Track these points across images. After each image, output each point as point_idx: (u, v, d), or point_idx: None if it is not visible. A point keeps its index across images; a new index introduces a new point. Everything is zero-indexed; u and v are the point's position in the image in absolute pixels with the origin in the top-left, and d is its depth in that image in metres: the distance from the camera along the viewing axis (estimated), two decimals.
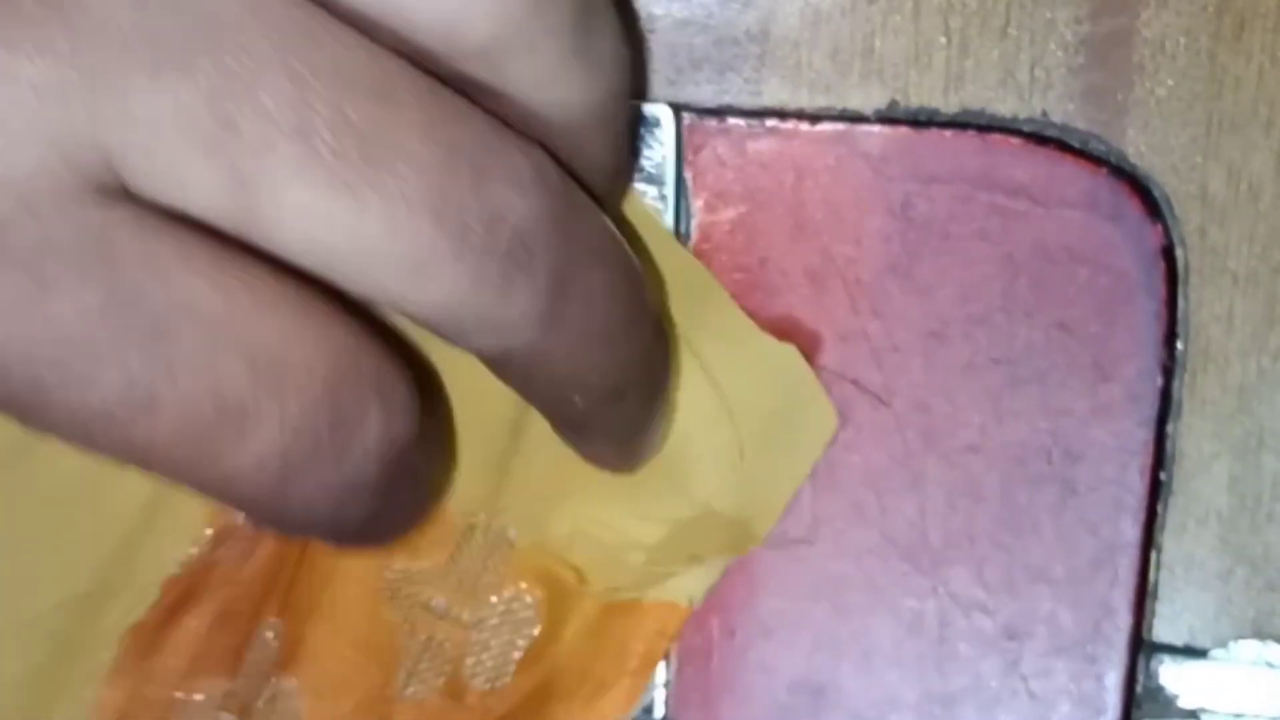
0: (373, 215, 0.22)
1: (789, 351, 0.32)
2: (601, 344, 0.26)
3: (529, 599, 0.34)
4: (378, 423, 0.24)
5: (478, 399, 0.32)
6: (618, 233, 0.26)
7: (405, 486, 0.26)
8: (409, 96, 0.22)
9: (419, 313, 0.23)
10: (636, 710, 0.34)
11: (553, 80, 0.24)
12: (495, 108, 0.24)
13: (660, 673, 0.34)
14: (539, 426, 0.32)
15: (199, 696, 0.33)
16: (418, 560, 0.34)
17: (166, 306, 0.22)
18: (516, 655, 0.34)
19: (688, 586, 0.33)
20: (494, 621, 0.34)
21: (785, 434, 0.33)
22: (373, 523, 0.26)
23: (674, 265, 0.32)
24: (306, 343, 0.23)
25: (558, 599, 0.34)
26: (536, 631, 0.34)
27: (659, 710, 0.34)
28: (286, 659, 0.33)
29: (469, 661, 0.34)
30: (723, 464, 0.33)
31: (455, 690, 0.34)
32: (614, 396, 0.27)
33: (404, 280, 0.23)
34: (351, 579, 0.33)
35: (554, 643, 0.34)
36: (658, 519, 0.33)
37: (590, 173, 0.26)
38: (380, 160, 0.22)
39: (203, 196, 0.22)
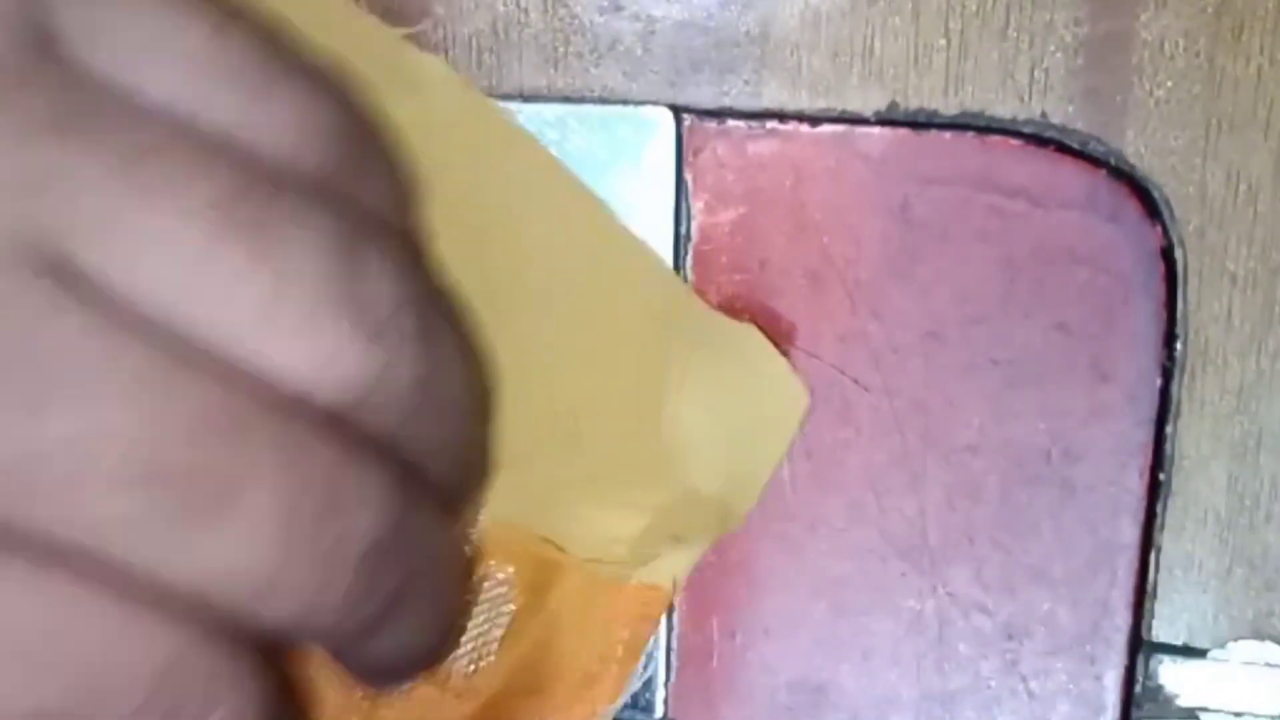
0: (222, 548, 0.23)
1: (749, 331, 0.32)
2: (416, 634, 0.27)
3: (500, 574, 0.34)
4: None
5: None
6: (453, 541, 0.28)
7: None
8: (261, 437, 0.23)
9: (270, 628, 0.24)
10: (624, 697, 0.34)
11: (405, 425, 0.25)
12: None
13: (659, 672, 0.34)
14: (517, 421, 0.32)
15: None
16: None
17: None
18: (498, 633, 0.34)
19: (670, 568, 0.33)
20: (470, 599, 0.34)
21: (757, 412, 0.33)
22: None
23: (635, 264, 0.32)
24: (130, 649, 0.24)
25: (536, 570, 0.34)
26: (513, 607, 0.34)
27: (659, 710, 0.34)
28: None
29: None
30: (702, 447, 0.33)
31: (439, 677, 0.34)
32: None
33: (254, 602, 0.24)
34: None
35: (536, 615, 0.34)
36: (641, 507, 0.33)
37: (451, 477, 0.28)
38: (229, 500, 0.23)
39: None
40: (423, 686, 0.34)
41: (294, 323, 0.24)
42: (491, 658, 0.34)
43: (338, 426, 0.25)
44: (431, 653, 0.29)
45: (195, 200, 0.23)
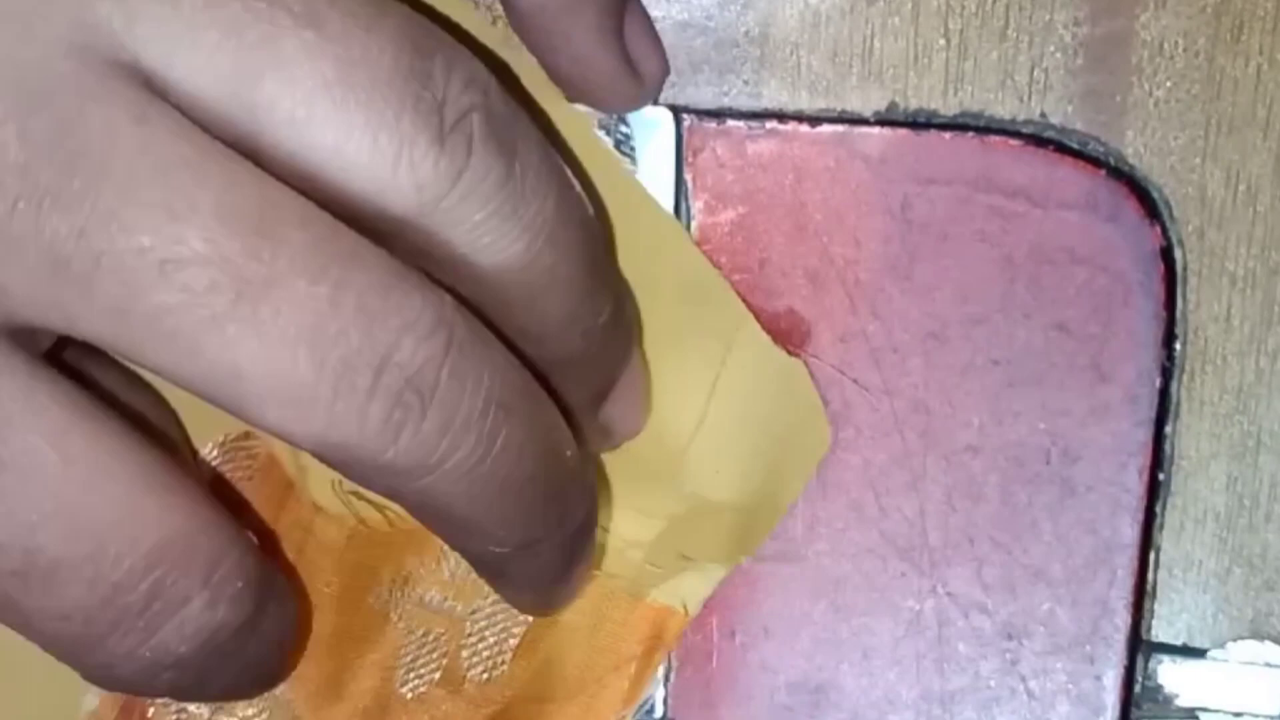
0: (247, 349, 0.23)
1: (797, 366, 0.32)
2: (504, 496, 0.25)
3: None
4: (200, 607, 0.25)
5: None
6: (539, 390, 0.26)
7: (230, 666, 0.26)
8: (295, 233, 0.23)
9: (301, 444, 0.24)
10: (635, 712, 0.34)
11: (478, 247, 0.24)
12: (424, 262, 0.24)
13: (659, 672, 0.34)
14: None
15: (192, 708, 0.34)
16: (414, 559, 0.34)
17: None
18: (512, 643, 0.34)
19: (683, 592, 0.33)
20: (487, 610, 0.34)
21: (781, 443, 0.33)
22: (190, 690, 0.27)
23: (685, 265, 0.32)
24: (138, 516, 0.24)
25: None
26: (527, 624, 0.34)
27: (659, 710, 0.34)
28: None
29: (465, 653, 0.34)
30: (723, 460, 0.33)
31: (453, 682, 0.34)
32: (524, 547, 0.27)
33: (284, 414, 0.23)
34: (348, 584, 0.34)
35: (549, 628, 0.34)
36: (654, 514, 0.33)
37: (542, 326, 0.26)
38: (256, 296, 0.22)
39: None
40: (437, 691, 0.34)
41: (353, 113, 0.23)
42: (505, 667, 0.34)
43: (397, 241, 0.24)
44: (557, 574, 0.28)
45: None
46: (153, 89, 0.23)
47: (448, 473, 0.24)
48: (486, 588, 0.33)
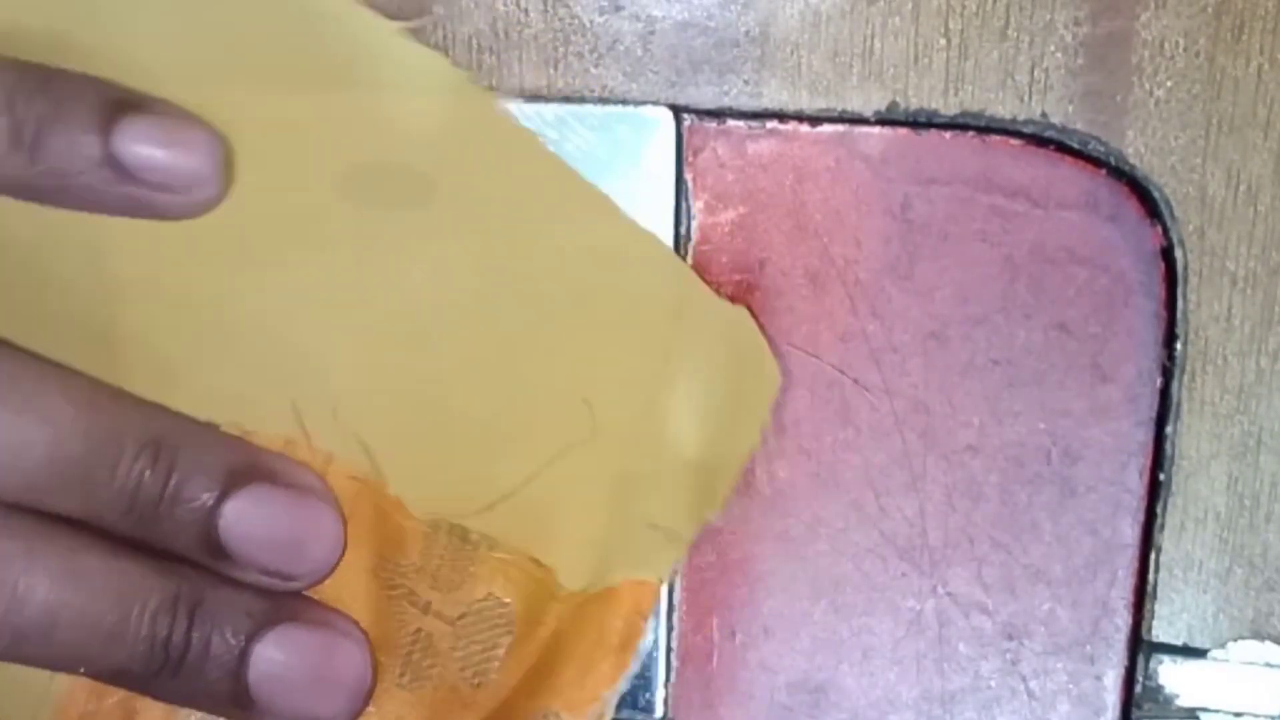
0: None
1: (741, 313, 0.32)
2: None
3: (505, 600, 0.34)
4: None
5: (437, 402, 0.33)
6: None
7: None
8: None
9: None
10: (623, 685, 0.34)
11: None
12: None
13: (659, 672, 0.34)
14: (496, 431, 0.32)
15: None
16: (401, 554, 0.34)
17: None
18: (499, 652, 0.34)
19: (654, 564, 0.33)
20: (473, 619, 0.34)
21: (735, 392, 0.33)
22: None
23: (621, 233, 0.32)
24: None
25: (532, 602, 0.34)
26: (514, 631, 0.34)
27: (659, 710, 0.34)
28: None
29: (457, 655, 0.34)
30: (680, 420, 0.33)
31: (448, 684, 0.34)
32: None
33: None
34: (360, 570, 0.34)
35: (531, 643, 0.34)
36: (607, 481, 0.33)
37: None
38: None
39: None
40: (431, 689, 0.34)
41: None
42: (494, 675, 0.34)
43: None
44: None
45: None
46: None
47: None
48: (469, 596, 0.34)
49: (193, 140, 0.31)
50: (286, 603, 0.33)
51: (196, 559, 0.32)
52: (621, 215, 0.32)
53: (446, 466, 0.33)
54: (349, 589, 0.34)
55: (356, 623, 0.34)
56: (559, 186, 0.32)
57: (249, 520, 0.32)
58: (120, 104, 0.30)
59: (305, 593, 0.33)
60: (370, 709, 0.34)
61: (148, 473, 0.31)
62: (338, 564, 0.33)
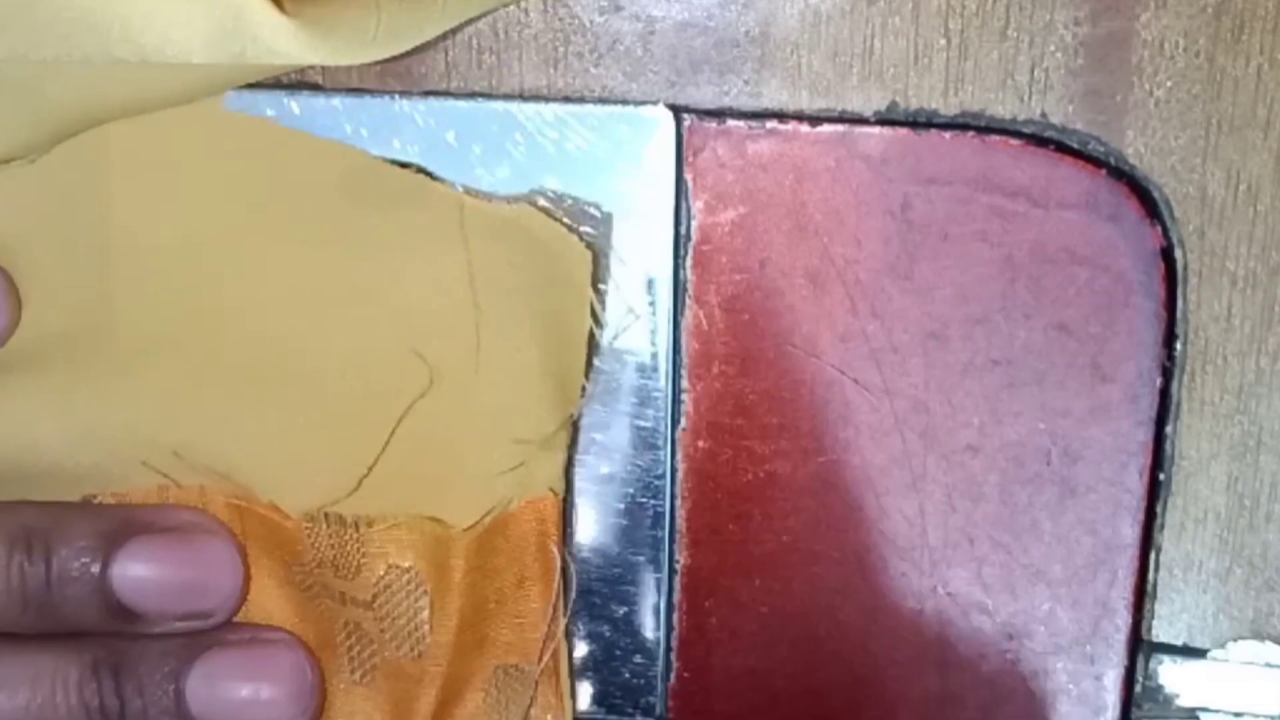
0: None
1: (524, 209, 0.32)
2: None
3: (403, 565, 0.34)
4: None
5: (276, 402, 0.33)
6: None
7: None
8: None
9: None
10: (559, 603, 0.34)
11: None
12: None
13: (660, 672, 0.34)
14: (340, 411, 0.33)
15: None
16: (296, 556, 0.34)
17: None
18: (425, 615, 0.34)
19: (540, 476, 0.34)
20: (385, 596, 0.34)
21: (550, 284, 0.33)
22: None
23: (390, 177, 0.32)
24: None
25: (434, 557, 0.34)
26: (428, 590, 0.34)
27: (659, 710, 0.34)
28: None
29: (387, 636, 0.34)
30: (509, 336, 0.33)
31: (393, 666, 0.34)
32: None
33: None
34: (273, 583, 0.34)
35: (450, 588, 0.34)
36: (462, 418, 0.33)
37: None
38: None
39: None
40: (381, 677, 0.34)
41: None
42: (428, 639, 0.34)
43: None
44: None
45: None
46: None
47: None
48: (370, 577, 0.34)
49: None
50: (208, 634, 0.33)
51: (113, 629, 0.33)
52: (376, 160, 0.32)
53: (304, 460, 0.34)
54: (270, 604, 0.34)
55: (282, 628, 0.34)
56: (310, 154, 0.32)
57: (138, 573, 0.32)
58: None
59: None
60: None
61: (26, 564, 0.32)
62: (247, 586, 0.34)
